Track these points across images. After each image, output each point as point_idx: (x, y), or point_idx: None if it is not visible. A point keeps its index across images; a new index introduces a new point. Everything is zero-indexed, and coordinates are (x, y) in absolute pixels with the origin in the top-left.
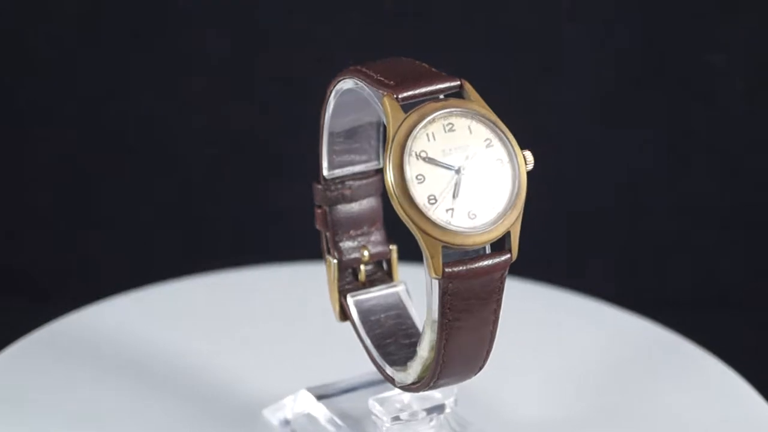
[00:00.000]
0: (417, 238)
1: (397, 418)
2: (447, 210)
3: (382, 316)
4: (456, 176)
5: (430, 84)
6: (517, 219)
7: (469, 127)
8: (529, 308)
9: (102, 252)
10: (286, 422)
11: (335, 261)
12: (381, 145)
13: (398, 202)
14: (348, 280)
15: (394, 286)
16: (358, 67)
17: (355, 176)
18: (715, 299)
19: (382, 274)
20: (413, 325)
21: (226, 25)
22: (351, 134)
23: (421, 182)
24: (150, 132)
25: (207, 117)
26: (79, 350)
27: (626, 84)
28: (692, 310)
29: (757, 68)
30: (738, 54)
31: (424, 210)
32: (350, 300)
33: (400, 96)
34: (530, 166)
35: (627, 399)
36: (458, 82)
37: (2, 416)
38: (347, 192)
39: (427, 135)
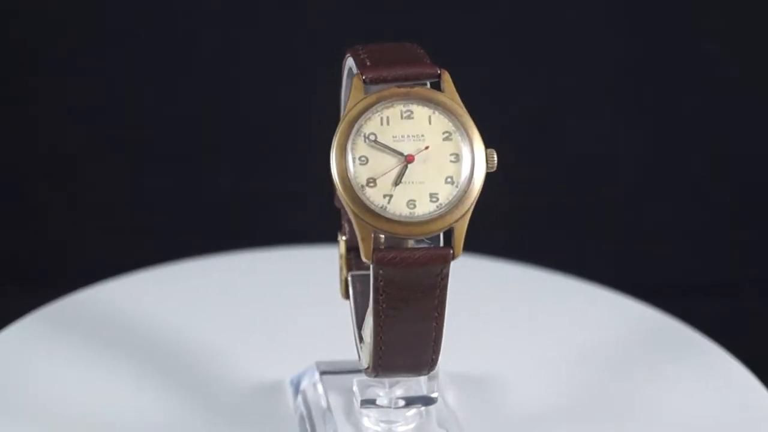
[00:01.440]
0: (351, 219)
1: (370, 402)
2: (384, 195)
3: None
4: (402, 163)
5: (405, 69)
6: (463, 216)
7: (429, 118)
8: (531, 295)
9: (101, 235)
10: (297, 390)
11: (344, 239)
12: None
13: (335, 181)
14: (359, 258)
15: None
16: (357, 47)
17: None
18: (718, 286)
19: None
20: None
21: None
22: None
23: (363, 164)
24: (149, 113)
25: (213, 99)
26: (78, 331)
27: (623, 72)
28: (691, 297)
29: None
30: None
31: (359, 192)
32: (349, 276)
33: (366, 76)
34: (492, 167)
35: (626, 387)
36: (436, 71)
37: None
38: None
39: (381, 118)
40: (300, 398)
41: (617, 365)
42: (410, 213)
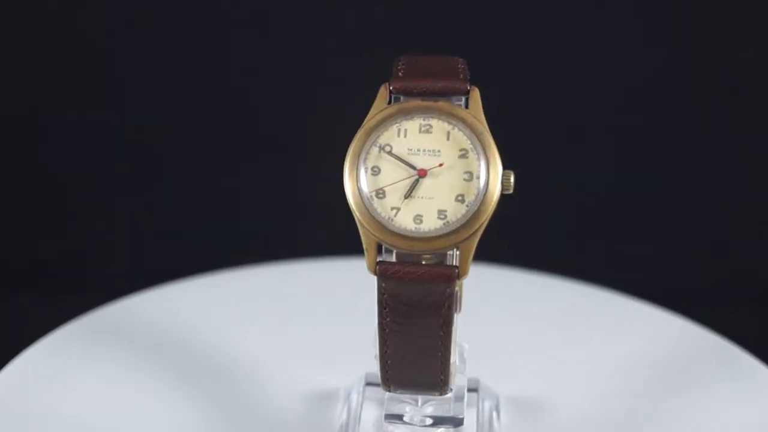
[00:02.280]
0: (358, 228)
1: (395, 417)
2: (392, 208)
3: None
4: (414, 177)
5: (433, 82)
6: (470, 237)
7: (448, 133)
8: (563, 308)
9: (126, 246)
10: (345, 399)
11: None
12: None
13: (345, 189)
14: None
15: None
16: (400, 57)
17: None
18: (746, 295)
19: None
20: None
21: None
22: None
23: (375, 174)
24: (171, 124)
25: (231, 110)
26: (118, 340)
27: (653, 77)
28: (721, 306)
29: None
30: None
31: (367, 202)
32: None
33: (393, 86)
34: (509, 189)
35: (674, 405)
36: (465, 88)
37: (34, 410)
38: None
39: (399, 130)
40: (345, 408)
41: (663, 382)
42: (416, 228)
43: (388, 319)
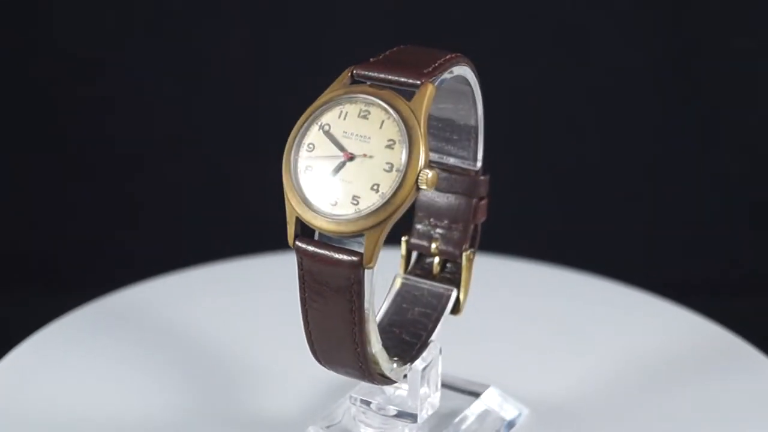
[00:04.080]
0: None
1: (364, 402)
2: (315, 185)
3: (414, 308)
4: (341, 159)
5: (392, 72)
6: (377, 226)
7: (382, 122)
8: (568, 299)
9: (127, 242)
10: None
11: (404, 239)
12: (477, 147)
13: (283, 161)
14: (418, 264)
15: (447, 290)
16: (399, 45)
17: (445, 167)
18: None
19: (450, 275)
20: (427, 330)
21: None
22: (449, 124)
23: (309, 150)
24: (172, 122)
25: (230, 106)
26: (116, 332)
27: (654, 69)
28: (722, 296)
29: None
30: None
31: (294, 175)
32: (397, 279)
33: (356, 71)
34: (426, 187)
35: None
36: (416, 82)
37: (33, 401)
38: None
39: (341, 112)
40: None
41: (679, 377)
42: (330, 209)
43: (306, 294)
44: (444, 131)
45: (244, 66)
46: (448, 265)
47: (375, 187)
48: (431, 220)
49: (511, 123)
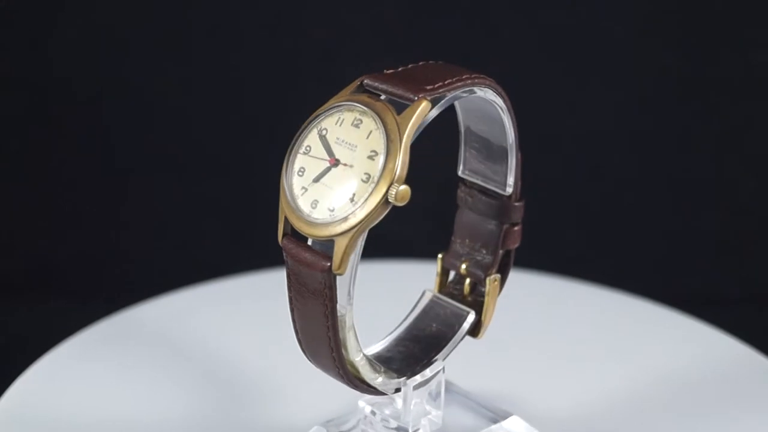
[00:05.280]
0: None
1: (372, 412)
2: (302, 187)
3: (433, 325)
4: (326, 165)
5: (395, 86)
6: (345, 233)
7: (370, 132)
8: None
9: (142, 252)
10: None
11: (440, 257)
12: (508, 172)
13: (284, 160)
14: (453, 284)
15: (465, 312)
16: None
17: (482, 189)
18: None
19: (480, 298)
20: (438, 348)
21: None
22: (485, 145)
23: (305, 153)
24: (188, 132)
25: (250, 114)
26: (138, 345)
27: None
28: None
29: None
30: None
31: (289, 175)
32: (427, 294)
33: (366, 80)
34: (396, 201)
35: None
36: (412, 97)
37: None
38: (470, 199)
39: (339, 118)
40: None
41: (705, 396)
42: (309, 212)
43: (291, 294)
44: (482, 152)
45: (257, 76)
46: (479, 288)
47: (351, 196)
48: (467, 240)
49: (534, 139)
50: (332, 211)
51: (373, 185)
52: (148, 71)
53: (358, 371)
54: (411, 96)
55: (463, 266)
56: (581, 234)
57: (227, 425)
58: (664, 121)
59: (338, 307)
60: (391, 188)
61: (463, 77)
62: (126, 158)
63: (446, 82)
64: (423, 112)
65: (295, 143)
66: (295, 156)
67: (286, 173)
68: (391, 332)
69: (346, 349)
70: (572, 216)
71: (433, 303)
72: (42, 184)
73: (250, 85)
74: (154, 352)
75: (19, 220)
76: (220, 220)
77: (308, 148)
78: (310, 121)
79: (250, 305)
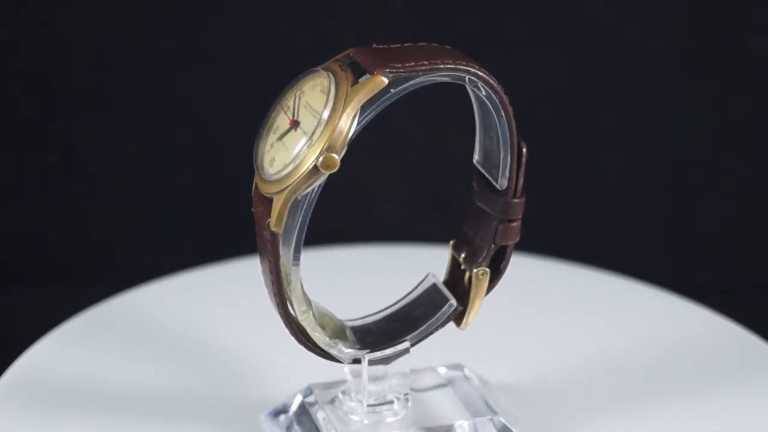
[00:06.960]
0: None
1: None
2: (271, 144)
3: (419, 309)
4: (287, 126)
5: (365, 59)
6: (279, 192)
7: (326, 100)
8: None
9: (139, 239)
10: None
11: (451, 243)
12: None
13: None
14: (456, 272)
15: (447, 300)
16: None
17: (486, 181)
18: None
19: (465, 288)
20: (413, 331)
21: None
22: (493, 137)
23: (286, 111)
24: (186, 121)
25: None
26: (130, 331)
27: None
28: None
29: None
30: None
31: (266, 132)
32: (429, 278)
33: (351, 52)
34: (327, 168)
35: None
36: (373, 70)
37: (48, 398)
38: (477, 189)
39: (313, 83)
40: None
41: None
42: (266, 168)
43: (258, 245)
44: (490, 142)
45: (258, 66)
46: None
47: (295, 157)
48: (471, 230)
49: (533, 126)
50: (279, 171)
51: (311, 149)
52: (152, 62)
53: (303, 329)
54: (372, 70)
55: (462, 255)
56: (581, 224)
57: (216, 398)
58: (665, 109)
59: (280, 264)
60: (320, 155)
61: (446, 63)
62: (118, 147)
63: (417, 64)
64: (375, 86)
65: (279, 103)
66: (278, 115)
67: (265, 128)
68: (385, 308)
69: (292, 306)
70: (573, 207)
71: (429, 287)
72: (37, 175)
73: (249, 77)
74: (144, 334)
75: (15, 209)
76: (208, 206)
77: (288, 107)
78: (294, 84)
79: (241, 289)
